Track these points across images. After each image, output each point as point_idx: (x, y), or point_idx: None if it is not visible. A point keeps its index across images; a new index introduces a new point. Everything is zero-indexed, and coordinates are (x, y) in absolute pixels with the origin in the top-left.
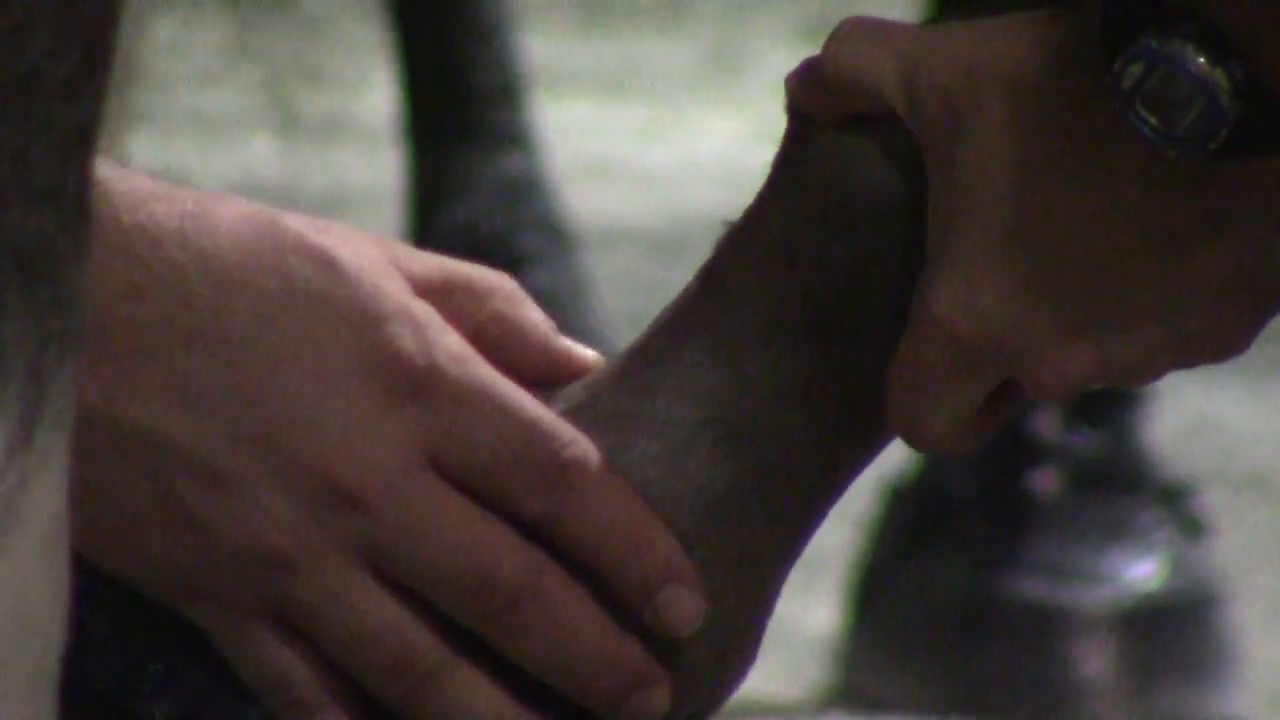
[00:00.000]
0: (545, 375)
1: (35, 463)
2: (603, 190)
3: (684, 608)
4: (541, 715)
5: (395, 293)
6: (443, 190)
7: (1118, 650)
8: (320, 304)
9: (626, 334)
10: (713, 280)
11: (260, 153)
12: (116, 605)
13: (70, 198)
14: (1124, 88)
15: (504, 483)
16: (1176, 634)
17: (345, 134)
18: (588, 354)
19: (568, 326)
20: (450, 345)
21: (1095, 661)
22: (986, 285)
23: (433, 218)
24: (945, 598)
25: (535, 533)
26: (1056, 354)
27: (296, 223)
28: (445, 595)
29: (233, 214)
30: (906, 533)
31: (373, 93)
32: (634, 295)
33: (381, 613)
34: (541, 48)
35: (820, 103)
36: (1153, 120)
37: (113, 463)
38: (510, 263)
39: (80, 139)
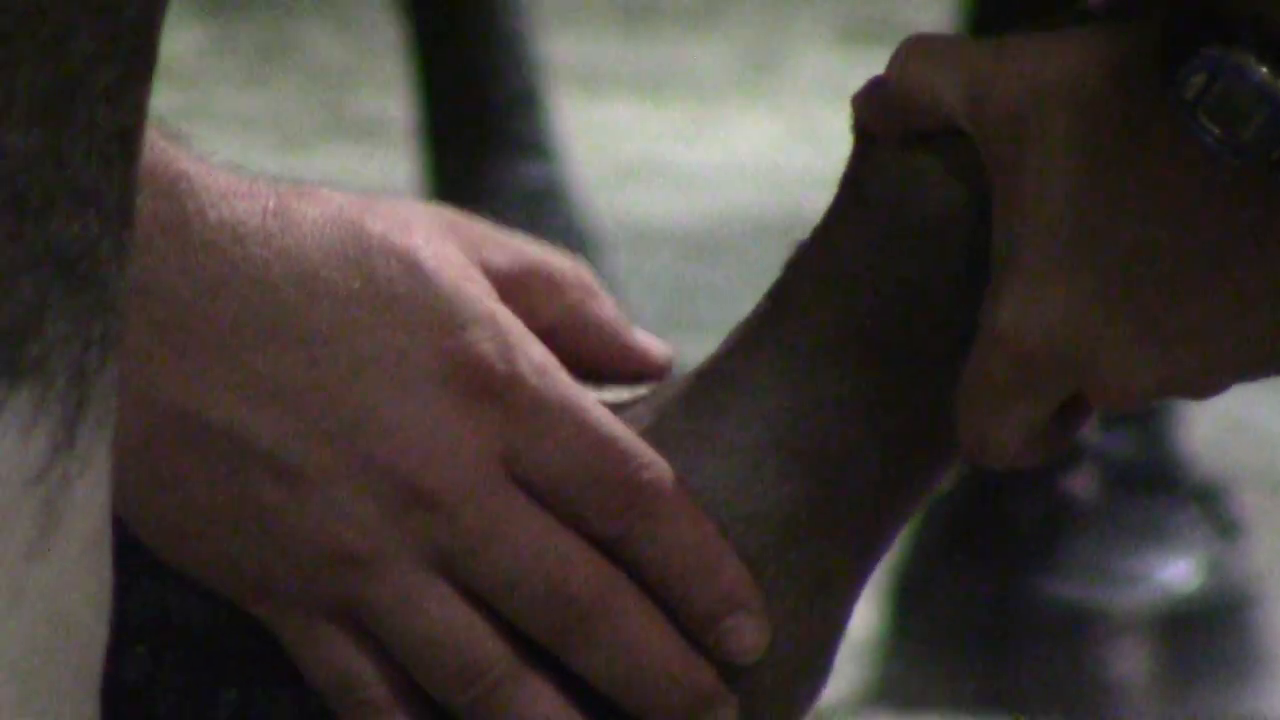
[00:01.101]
0: (618, 368)
1: (77, 464)
2: (641, 191)
3: (747, 637)
4: None
5: (479, 297)
6: (464, 199)
7: (1153, 651)
8: (403, 306)
9: (664, 335)
10: (780, 300)
11: (302, 153)
12: (191, 631)
13: (113, 202)
14: (1186, 98)
15: (578, 498)
16: (1212, 635)
17: (387, 135)
18: (661, 348)
19: None
20: (533, 355)
21: (1131, 662)
22: (1051, 298)
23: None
24: (982, 598)
25: (605, 550)
26: (1121, 366)
27: (381, 221)
28: (517, 604)
29: (316, 212)
30: (944, 534)
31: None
32: (673, 296)
33: (453, 618)
34: (580, 48)
35: (885, 120)
36: (1215, 130)
37: (190, 458)
38: None
39: (122, 144)
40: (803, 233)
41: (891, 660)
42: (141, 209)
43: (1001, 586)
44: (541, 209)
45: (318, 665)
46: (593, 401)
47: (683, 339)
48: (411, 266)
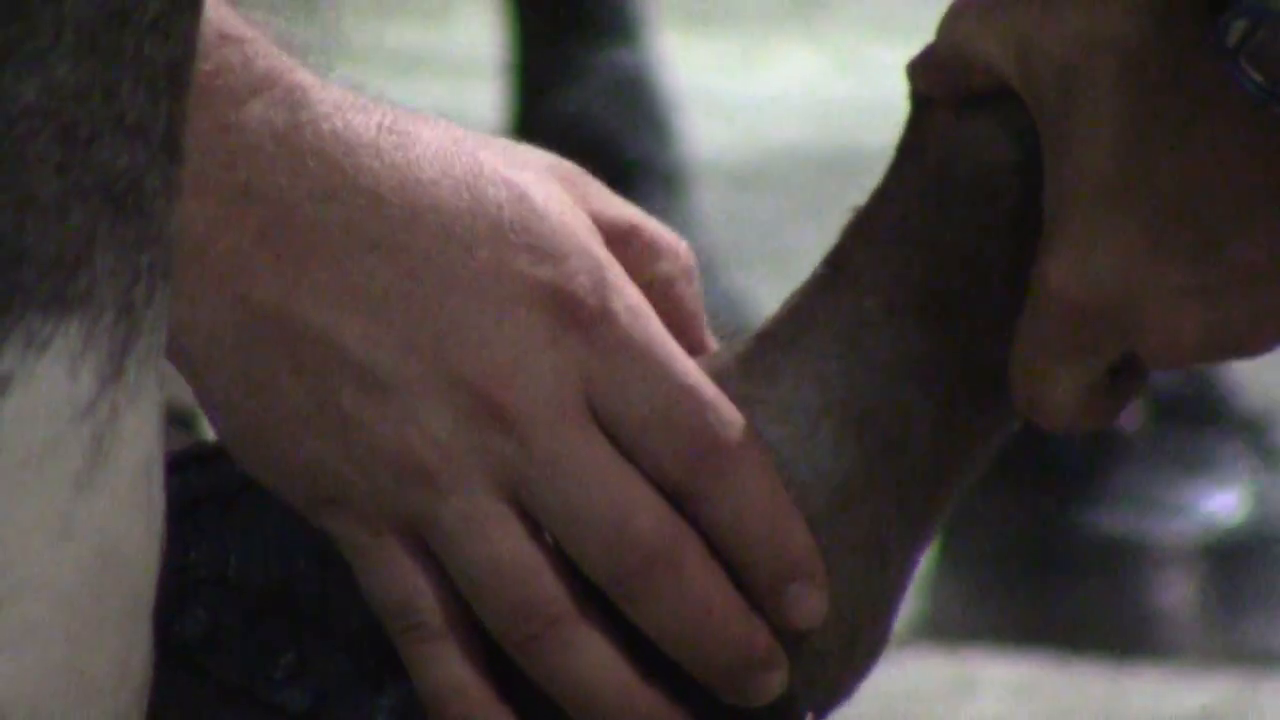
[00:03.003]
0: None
1: (126, 396)
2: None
3: (808, 605)
4: (657, 685)
5: (582, 233)
6: (549, 82)
7: (1198, 582)
8: (506, 230)
9: (710, 268)
10: (836, 264)
11: (343, 85)
12: (249, 591)
13: (160, 135)
14: (1229, 44)
15: (654, 442)
16: (1257, 566)
17: (429, 67)
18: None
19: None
20: (628, 295)
21: (1175, 593)
22: (1099, 250)
23: (537, 108)
24: (1027, 531)
25: (672, 503)
26: (1169, 319)
27: (495, 154)
28: (579, 540)
29: (430, 134)
30: (989, 466)
31: (457, 26)
32: (718, 228)
33: (517, 549)
34: None
35: (937, 82)
36: (1257, 77)
37: (281, 360)
38: (617, 166)
39: (170, 76)
40: (849, 164)
41: (936, 593)
42: (253, 115)
43: (1046, 518)
44: (626, 95)
45: (379, 583)
46: (680, 350)
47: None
48: (520, 195)
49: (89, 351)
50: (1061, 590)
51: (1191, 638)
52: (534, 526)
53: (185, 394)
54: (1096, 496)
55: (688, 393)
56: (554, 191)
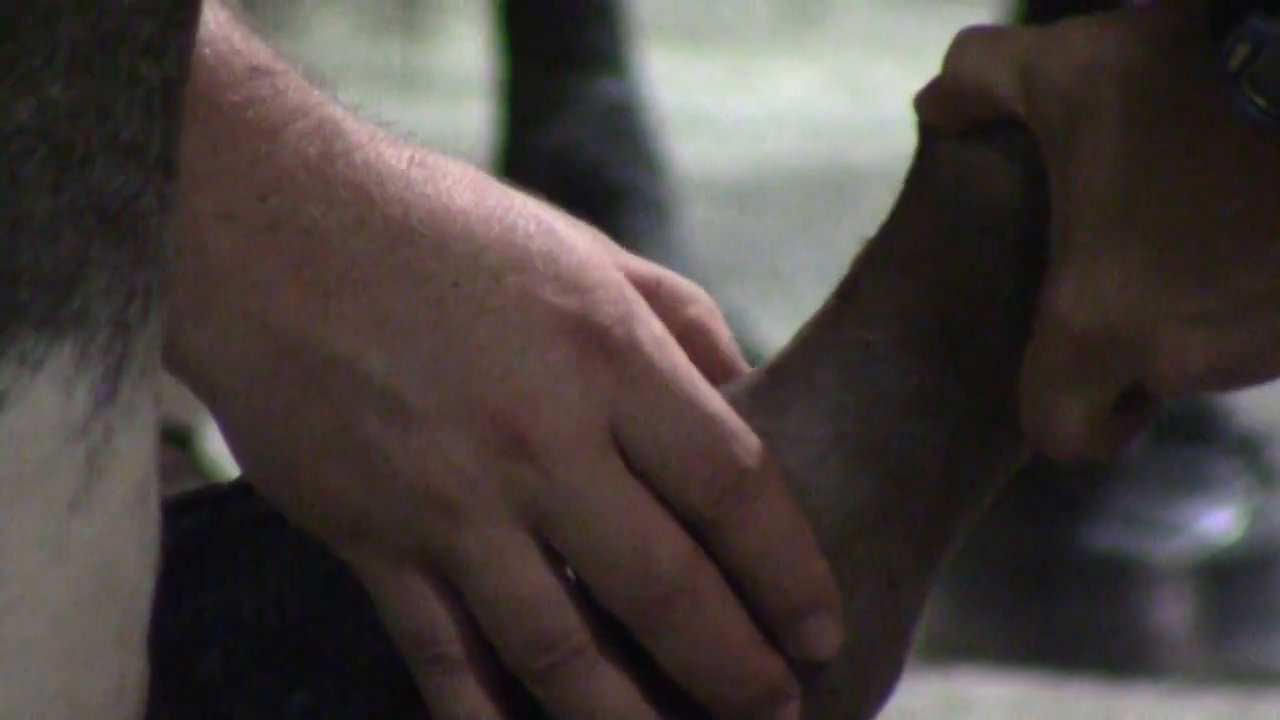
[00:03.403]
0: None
1: (120, 416)
2: (682, 141)
3: (825, 638)
4: (673, 718)
5: (608, 267)
6: (536, 111)
7: (1193, 601)
8: (535, 259)
9: (706, 286)
10: (845, 296)
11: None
12: (263, 632)
13: (155, 154)
14: (1231, 68)
15: (678, 473)
16: (1253, 585)
17: (427, 87)
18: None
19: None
20: (653, 326)
21: (1170, 612)
22: (1104, 275)
23: (524, 141)
24: (1022, 549)
25: (694, 534)
26: (1175, 345)
27: (522, 194)
28: (600, 572)
29: (459, 169)
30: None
31: (451, 45)
32: (713, 246)
33: (536, 580)
34: None
35: (944, 113)
36: (1260, 101)
37: (302, 389)
38: (604, 196)
39: (165, 96)
40: (842, 182)
41: (928, 611)
42: (286, 146)
43: (1041, 536)
44: (614, 124)
45: (399, 615)
46: (705, 382)
47: (724, 289)
48: (549, 229)
49: (83, 371)
50: (1055, 609)
51: (1186, 657)
52: (554, 557)
53: (178, 411)
54: (1092, 514)
55: (713, 423)
56: (580, 230)
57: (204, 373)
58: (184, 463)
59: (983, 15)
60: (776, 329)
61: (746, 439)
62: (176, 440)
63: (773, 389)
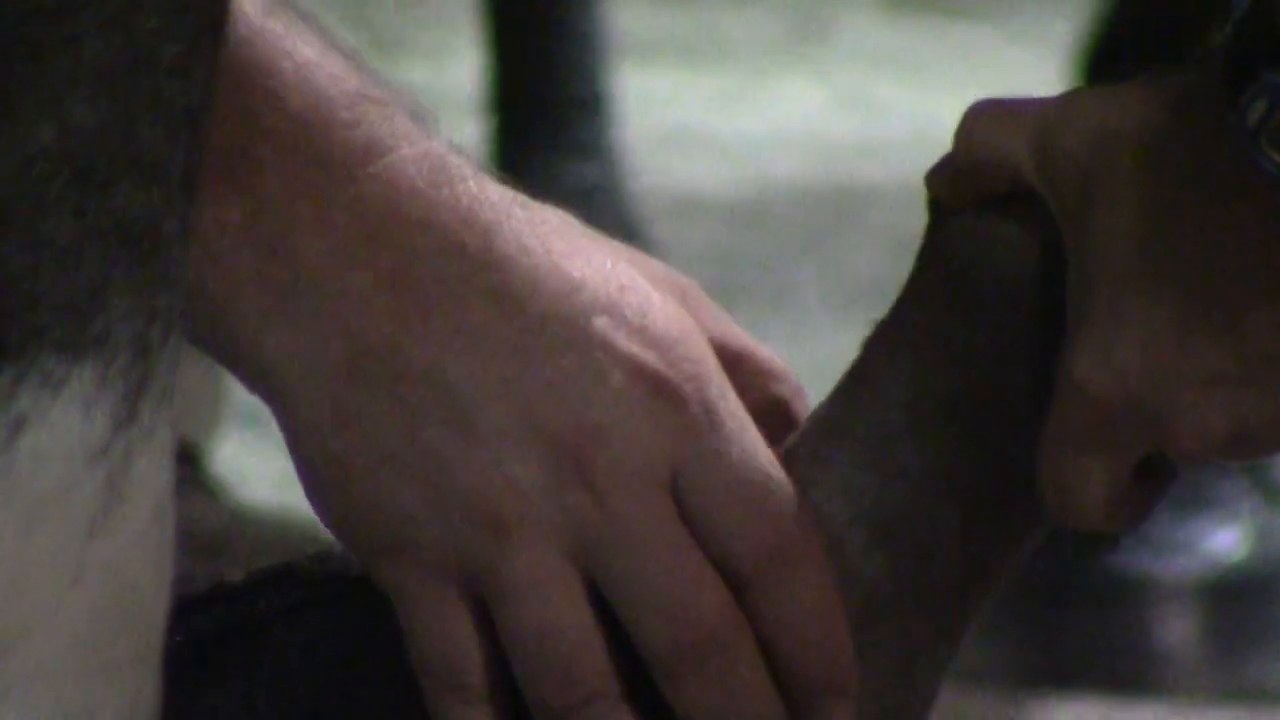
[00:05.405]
0: None
1: (139, 439)
2: (683, 159)
3: (839, 718)
4: None
5: (694, 335)
6: (520, 187)
7: (1199, 619)
8: (625, 310)
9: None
10: (859, 374)
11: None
12: (284, 681)
13: (178, 177)
14: (1248, 125)
15: (729, 530)
16: (1259, 603)
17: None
18: None
19: None
20: (726, 391)
21: (1177, 630)
22: (1123, 341)
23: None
24: (1030, 568)
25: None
26: (1195, 409)
27: (618, 251)
28: (642, 610)
29: (558, 215)
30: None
31: (457, 65)
32: (715, 265)
33: (573, 614)
34: (623, 15)
35: (956, 186)
36: (1277, 158)
37: (376, 393)
38: None
39: (188, 119)
40: (847, 201)
41: None
42: (390, 168)
43: (1045, 555)
44: (594, 206)
45: (427, 635)
46: (767, 449)
47: (727, 308)
48: (646, 293)
49: (103, 394)
50: (1060, 627)
51: (1192, 675)
52: (595, 596)
53: (186, 428)
54: (1096, 533)
55: (769, 488)
56: (672, 300)
57: (278, 371)
58: (191, 479)
59: (991, 34)
60: (781, 348)
61: (799, 509)
62: (183, 458)
63: (792, 469)
